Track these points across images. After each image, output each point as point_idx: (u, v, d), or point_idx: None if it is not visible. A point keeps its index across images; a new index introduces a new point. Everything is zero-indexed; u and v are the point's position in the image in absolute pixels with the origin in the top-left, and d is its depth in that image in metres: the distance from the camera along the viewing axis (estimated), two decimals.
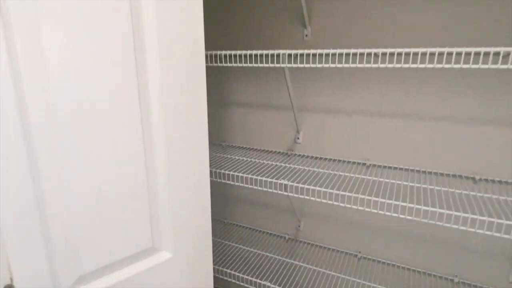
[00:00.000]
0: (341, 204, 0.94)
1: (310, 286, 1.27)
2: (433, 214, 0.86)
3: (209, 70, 1.36)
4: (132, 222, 0.65)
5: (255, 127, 1.33)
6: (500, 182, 0.98)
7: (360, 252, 1.23)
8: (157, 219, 0.69)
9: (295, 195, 0.97)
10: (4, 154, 0.48)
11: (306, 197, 0.96)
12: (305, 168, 1.13)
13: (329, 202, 0.94)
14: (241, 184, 1.05)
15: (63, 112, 0.52)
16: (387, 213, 0.89)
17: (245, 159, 1.21)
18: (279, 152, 1.30)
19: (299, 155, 1.26)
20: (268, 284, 1.06)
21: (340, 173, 1.08)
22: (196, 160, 0.72)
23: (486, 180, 1.00)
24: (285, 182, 0.97)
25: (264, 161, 1.18)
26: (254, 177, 1.01)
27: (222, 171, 1.06)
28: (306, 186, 0.95)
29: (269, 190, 1.02)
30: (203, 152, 0.74)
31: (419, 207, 0.82)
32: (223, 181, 1.06)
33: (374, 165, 1.14)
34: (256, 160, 1.20)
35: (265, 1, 1.19)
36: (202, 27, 0.67)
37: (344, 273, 1.22)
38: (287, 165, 1.16)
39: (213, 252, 1.38)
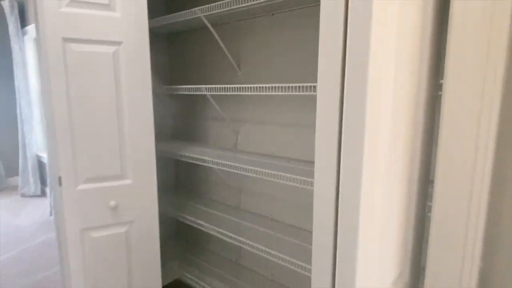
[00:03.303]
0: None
1: None
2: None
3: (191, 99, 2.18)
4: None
5: (215, 133, 2.08)
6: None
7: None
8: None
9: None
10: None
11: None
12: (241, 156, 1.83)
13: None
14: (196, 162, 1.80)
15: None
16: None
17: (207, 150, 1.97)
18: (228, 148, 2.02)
19: (240, 149, 1.95)
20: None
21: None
22: (145, 133, 1.51)
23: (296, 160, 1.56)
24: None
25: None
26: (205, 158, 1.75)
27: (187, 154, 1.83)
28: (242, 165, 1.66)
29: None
30: (150, 127, 1.52)
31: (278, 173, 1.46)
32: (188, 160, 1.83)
33: (277, 156, 1.78)
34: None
35: (215, 58, 1.98)
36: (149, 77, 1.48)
37: None
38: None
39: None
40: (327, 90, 0.62)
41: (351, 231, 0.57)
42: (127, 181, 1.51)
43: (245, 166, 1.53)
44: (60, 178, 1.40)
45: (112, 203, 1.46)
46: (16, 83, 3.94)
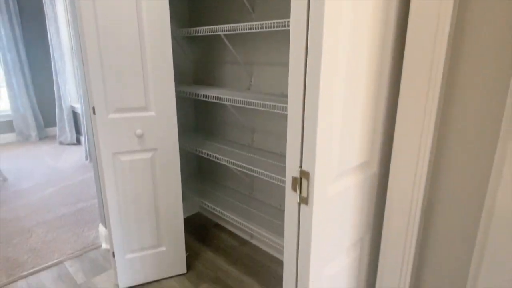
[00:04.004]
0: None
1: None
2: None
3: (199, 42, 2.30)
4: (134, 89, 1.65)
5: (229, 75, 2.22)
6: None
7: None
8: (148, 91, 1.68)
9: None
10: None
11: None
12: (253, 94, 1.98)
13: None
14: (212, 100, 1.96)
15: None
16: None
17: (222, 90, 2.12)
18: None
19: (253, 90, 2.10)
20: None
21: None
22: (165, 73, 1.68)
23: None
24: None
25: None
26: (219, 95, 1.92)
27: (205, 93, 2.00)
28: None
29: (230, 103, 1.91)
30: (169, 72, 1.69)
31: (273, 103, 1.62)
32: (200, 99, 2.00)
33: (274, 94, 1.91)
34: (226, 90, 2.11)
35: (230, 2, 2.07)
36: (169, 29, 1.62)
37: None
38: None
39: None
40: (296, 31, 0.73)
41: (311, 122, 0.72)
42: (151, 113, 1.70)
43: (254, 101, 1.69)
44: (93, 108, 1.61)
45: (139, 131, 1.68)
46: (49, 36, 4.19)
